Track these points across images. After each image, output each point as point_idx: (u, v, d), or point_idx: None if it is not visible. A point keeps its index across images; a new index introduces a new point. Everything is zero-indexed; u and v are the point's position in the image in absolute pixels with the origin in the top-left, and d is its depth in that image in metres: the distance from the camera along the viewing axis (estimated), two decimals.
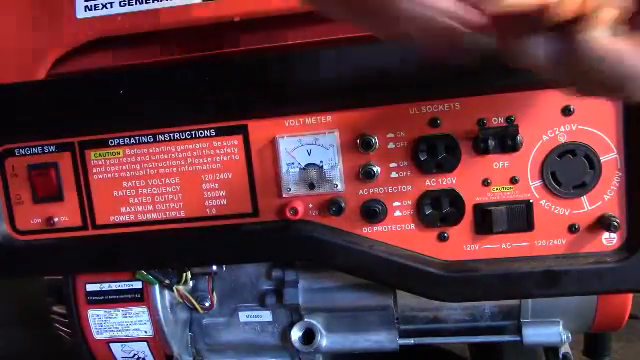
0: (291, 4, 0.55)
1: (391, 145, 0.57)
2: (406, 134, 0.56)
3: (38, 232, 0.63)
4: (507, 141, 0.54)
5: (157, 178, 0.60)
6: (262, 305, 0.69)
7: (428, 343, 0.69)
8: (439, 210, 0.57)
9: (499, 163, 0.56)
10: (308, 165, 0.57)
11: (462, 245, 0.58)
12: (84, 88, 0.58)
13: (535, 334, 0.66)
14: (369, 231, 0.59)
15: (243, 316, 0.70)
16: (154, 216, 0.61)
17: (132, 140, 0.60)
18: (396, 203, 0.58)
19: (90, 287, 0.69)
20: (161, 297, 0.68)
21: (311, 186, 0.58)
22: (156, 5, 0.56)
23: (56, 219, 0.62)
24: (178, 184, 0.60)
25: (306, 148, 0.57)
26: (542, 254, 0.57)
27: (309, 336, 0.69)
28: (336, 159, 0.57)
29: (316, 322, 0.69)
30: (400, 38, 0.37)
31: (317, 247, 0.58)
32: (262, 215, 0.59)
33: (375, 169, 0.57)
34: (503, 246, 0.58)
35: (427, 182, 0.57)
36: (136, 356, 0.71)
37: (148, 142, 0.60)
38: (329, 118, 0.57)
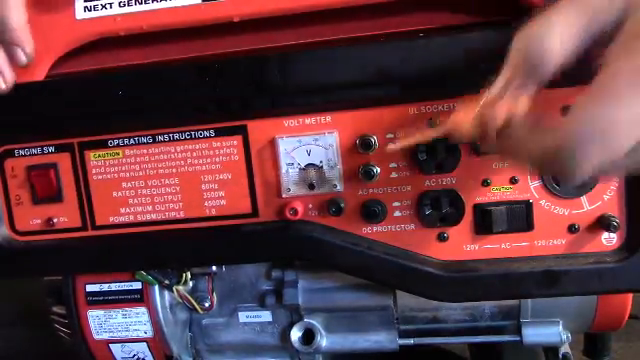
0: (290, 4, 0.55)
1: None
2: (405, 134, 0.56)
3: (38, 233, 0.63)
4: None
5: (157, 179, 0.60)
6: (262, 305, 0.69)
7: (428, 343, 0.70)
8: (439, 210, 0.57)
9: (499, 163, 0.56)
10: (308, 165, 0.57)
11: (462, 245, 0.58)
12: (83, 89, 0.58)
13: (535, 334, 0.66)
14: (369, 231, 0.59)
15: (243, 316, 0.70)
16: (154, 217, 0.61)
17: (132, 141, 0.60)
18: (396, 203, 0.58)
19: (90, 288, 0.69)
20: (161, 297, 0.68)
21: (311, 186, 0.58)
22: (155, 6, 0.56)
23: (56, 220, 0.62)
24: (178, 185, 0.60)
25: (306, 148, 0.57)
26: (542, 254, 0.57)
27: (309, 336, 0.69)
28: (336, 159, 0.57)
29: (316, 322, 0.69)
30: None
31: (317, 247, 0.58)
32: (262, 215, 0.59)
33: (375, 169, 0.57)
34: (503, 246, 0.58)
35: (427, 182, 0.57)
36: (136, 356, 0.71)
37: (147, 143, 0.60)
38: (328, 118, 0.57)
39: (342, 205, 0.58)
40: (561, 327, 0.66)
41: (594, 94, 0.37)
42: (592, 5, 0.39)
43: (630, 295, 0.65)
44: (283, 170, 0.58)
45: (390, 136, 0.56)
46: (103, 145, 0.61)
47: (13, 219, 0.63)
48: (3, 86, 0.56)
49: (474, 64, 0.53)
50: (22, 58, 0.56)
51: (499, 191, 0.57)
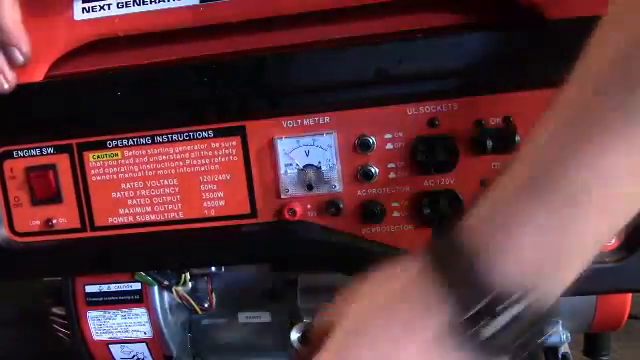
0: (288, 5, 0.55)
1: (389, 146, 0.57)
2: (404, 135, 0.56)
3: (37, 234, 0.63)
4: (505, 141, 0.54)
5: (155, 179, 0.60)
6: (261, 306, 0.69)
7: None
8: (437, 210, 0.57)
9: (497, 163, 0.56)
10: (306, 166, 0.57)
11: None
12: (82, 90, 0.58)
13: None
14: (367, 232, 0.59)
15: (242, 317, 0.70)
16: (153, 217, 0.61)
17: (130, 142, 0.60)
18: (395, 204, 0.58)
19: (89, 288, 0.69)
20: (160, 298, 0.68)
21: (309, 187, 0.58)
22: (154, 7, 0.56)
23: (55, 221, 0.62)
24: (176, 185, 0.60)
25: (304, 149, 0.57)
26: None
27: (308, 337, 0.69)
28: (334, 160, 0.57)
29: None
30: None
31: (315, 248, 0.58)
32: (260, 216, 0.59)
33: (373, 170, 0.57)
34: None
35: (425, 182, 0.57)
36: (135, 357, 0.71)
37: (146, 143, 0.60)
38: (327, 119, 0.57)
39: (341, 206, 0.58)
40: (560, 327, 0.66)
41: None
42: None
43: (629, 295, 0.65)
44: (282, 171, 0.58)
45: (389, 136, 0.56)
46: (102, 146, 0.61)
47: (12, 220, 0.63)
48: (5, 86, 0.56)
49: (473, 64, 0.53)
50: (19, 58, 0.56)
51: None
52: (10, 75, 0.56)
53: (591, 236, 0.36)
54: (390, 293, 0.40)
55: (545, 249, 0.36)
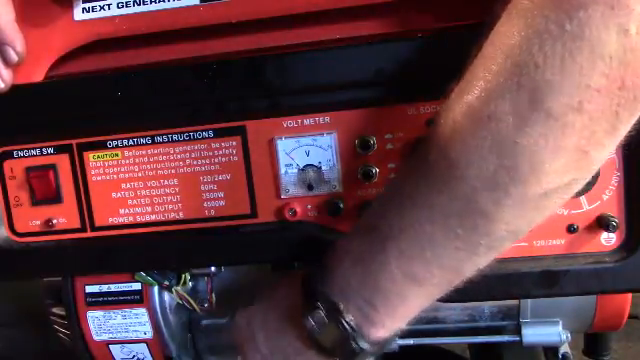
0: (288, 5, 0.55)
1: (389, 146, 0.57)
2: (404, 135, 0.56)
3: (37, 234, 0.63)
4: None
5: (156, 179, 0.60)
6: None
7: (428, 343, 0.69)
8: None
9: None
10: (306, 166, 0.57)
11: None
12: (82, 90, 0.58)
13: (534, 334, 0.66)
14: None
15: None
16: (153, 217, 0.61)
17: (130, 142, 0.60)
18: None
19: (89, 289, 0.69)
20: (160, 298, 0.68)
21: (310, 187, 0.58)
22: (154, 7, 0.56)
23: (55, 221, 0.62)
24: (177, 185, 0.60)
25: (304, 149, 0.57)
26: (541, 254, 0.57)
27: None
28: (334, 160, 0.57)
29: None
30: None
31: (316, 248, 0.58)
32: (261, 216, 0.59)
33: (374, 170, 0.57)
34: None
35: None
36: (136, 357, 0.71)
37: (146, 144, 0.60)
38: (327, 119, 0.57)
39: (341, 206, 0.58)
40: (561, 327, 0.66)
41: None
42: None
43: (629, 295, 0.65)
44: (282, 171, 0.58)
45: (389, 137, 0.56)
46: (102, 146, 0.61)
47: (12, 220, 0.63)
48: (1, 85, 0.56)
49: None
50: (13, 57, 0.56)
51: None
52: (5, 74, 0.56)
53: (399, 273, 0.47)
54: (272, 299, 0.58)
55: (359, 271, 0.49)
